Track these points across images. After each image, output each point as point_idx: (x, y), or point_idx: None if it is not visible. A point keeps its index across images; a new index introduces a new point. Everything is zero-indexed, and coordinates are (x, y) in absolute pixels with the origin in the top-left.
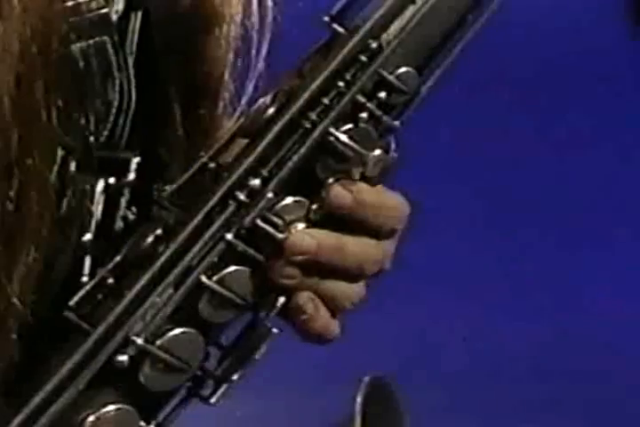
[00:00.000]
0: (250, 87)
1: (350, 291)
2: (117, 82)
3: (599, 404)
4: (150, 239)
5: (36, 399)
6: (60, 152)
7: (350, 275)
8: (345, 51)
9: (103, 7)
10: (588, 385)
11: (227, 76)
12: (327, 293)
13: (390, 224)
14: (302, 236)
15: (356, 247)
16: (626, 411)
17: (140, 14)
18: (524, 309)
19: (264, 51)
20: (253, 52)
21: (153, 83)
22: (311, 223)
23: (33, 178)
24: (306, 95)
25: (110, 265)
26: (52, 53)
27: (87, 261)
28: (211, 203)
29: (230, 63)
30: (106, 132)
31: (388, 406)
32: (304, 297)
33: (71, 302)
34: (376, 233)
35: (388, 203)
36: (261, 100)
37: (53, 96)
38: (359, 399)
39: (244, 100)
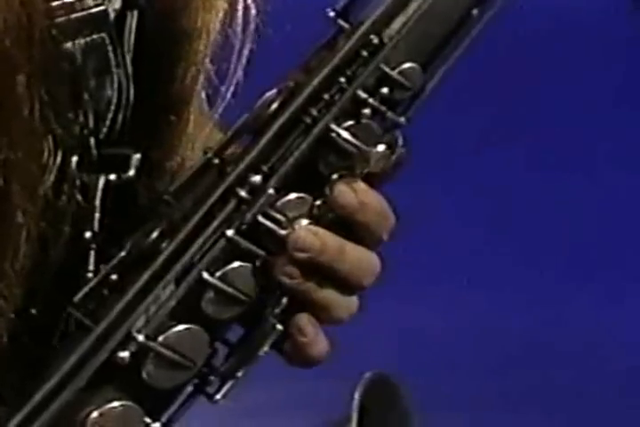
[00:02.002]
0: (227, 95)
1: (344, 304)
2: (115, 78)
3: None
4: (154, 236)
5: (38, 396)
6: (59, 149)
7: (348, 283)
8: (346, 47)
9: (99, 4)
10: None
11: (199, 83)
12: (322, 301)
13: (383, 231)
14: (306, 232)
15: (357, 254)
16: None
17: (136, 13)
18: (524, 303)
19: (244, 59)
20: (233, 58)
21: (146, 82)
22: (314, 220)
23: (17, 172)
24: (307, 91)
25: (114, 262)
26: (33, 48)
27: (91, 257)
28: (211, 200)
29: (205, 70)
30: (105, 129)
31: (392, 403)
32: (305, 319)
33: (75, 299)
34: (370, 241)
35: (387, 211)
36: (266, 96)
37: (37, 91)
38: (357, 396)
39: (220, 108)
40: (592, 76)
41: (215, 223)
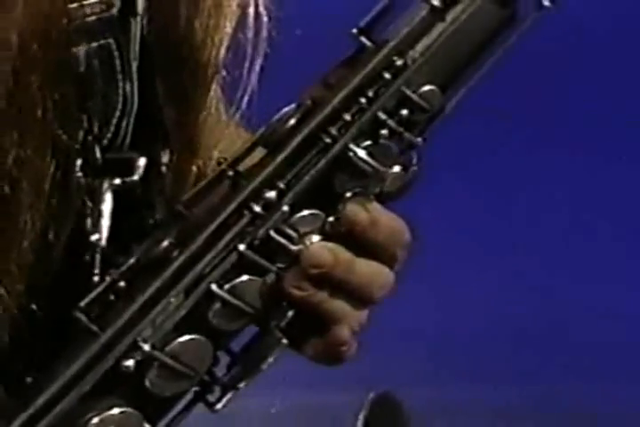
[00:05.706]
0: (242, 103)
1: (355, 316)
2: (121, 85)
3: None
4: (164, 245)
5: (41, 400)
6: (64, 153)
7: (359, 296)
8: (369, 67)
9: (107, 10)
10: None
11: (212, 91)
12: (332, 313)
13: (396, 249)
14: (320, 249)
15: (368, 268)
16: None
17: (139, 19)
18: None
19: (257, 66)
20: (246, 65)
21: (150, 89)
22: (326, 236)
23: (25, 170)
24: (327, 110)
25: (122, 268)
26: (51, 50)
27: (97, 260)
28: (225, 213)
29: (219, 78)
30: (109, 135)
31: (396, 422)
32: (346, 332)
33: (82, 304)
34: (383, 257)
35: (399, 228)
36: (285, 110)
37: (49, 93)
38: (362, 415)
39: (236, 116)
40: (598, 77)
41: (228, 237)
